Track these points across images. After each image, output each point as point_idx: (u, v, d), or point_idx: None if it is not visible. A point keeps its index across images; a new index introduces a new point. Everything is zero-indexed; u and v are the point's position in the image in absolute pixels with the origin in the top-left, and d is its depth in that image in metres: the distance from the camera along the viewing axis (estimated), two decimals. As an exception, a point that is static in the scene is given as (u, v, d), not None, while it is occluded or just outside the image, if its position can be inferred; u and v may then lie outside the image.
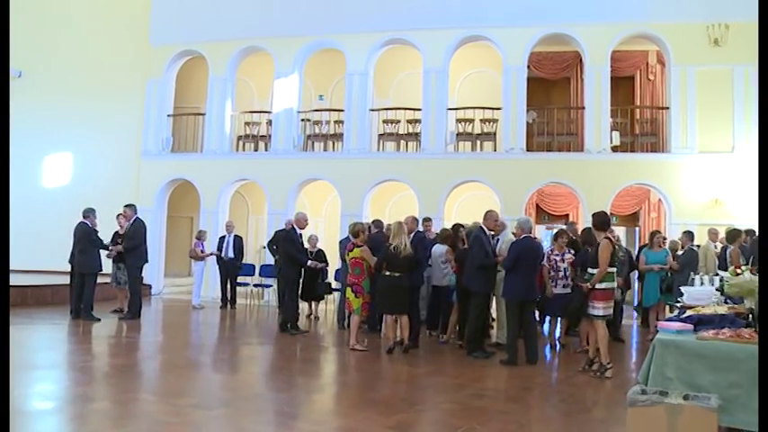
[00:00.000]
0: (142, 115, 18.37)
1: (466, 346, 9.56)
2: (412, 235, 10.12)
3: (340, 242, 12.56)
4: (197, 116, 18.60)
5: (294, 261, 11.31)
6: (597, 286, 8.21)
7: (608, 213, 8.71)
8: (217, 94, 17.83)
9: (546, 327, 11.95)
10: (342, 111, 17.31)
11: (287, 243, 11.40)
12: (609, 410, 6.71)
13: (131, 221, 12.58)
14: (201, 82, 18.39)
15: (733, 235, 10.86)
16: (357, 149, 16.78)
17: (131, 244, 12.36)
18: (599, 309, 8.23)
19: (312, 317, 13.57)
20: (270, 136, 17.84)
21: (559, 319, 10.92)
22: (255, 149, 18.29)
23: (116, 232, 13.06)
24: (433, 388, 7.67)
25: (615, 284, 8.36)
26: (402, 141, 17.40)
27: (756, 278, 5.46)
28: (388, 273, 9.50)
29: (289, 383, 7.67)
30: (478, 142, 16.97)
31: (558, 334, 11.03)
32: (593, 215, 8.63)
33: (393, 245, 9.46)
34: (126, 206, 12.82)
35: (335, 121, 17.90)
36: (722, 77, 15.32)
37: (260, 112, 18.60)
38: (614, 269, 8.31)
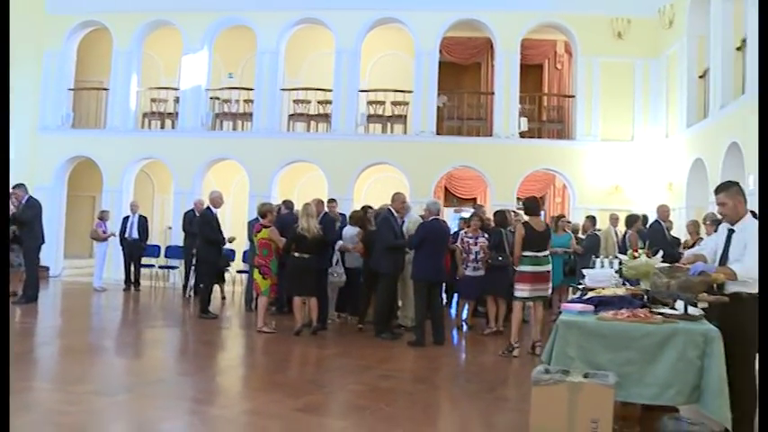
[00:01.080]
0: (39, 88, 17.44)
1: (374, 328, 9.61)
2: (320, 216, 10.06)
3: (248, 223, 12.34)
4: (100, 91, 17.83)
5: (212, 243, 11.04)
6: (517, 269, 8.42)
7: (537, 199, 8.87)
8: (121, 68, 17.13)
9: (453, 308, 12.15)
10: (252, 90, 16.98)
11: (204, 225, 11.11)
12: (514, 389, 6.89)
13: (23, 201, 11.91)
14: (105, 55, 17.60)
15: (631, 220, 11.35)
16: (267, 129, 16.51)
17: (23, 223, 11.68)
18: (519, 291, 8.38)
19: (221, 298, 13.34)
20: (177, 113, 17.31)
21: (468, 300, 11.12)
22: (162, 127, 17.73)
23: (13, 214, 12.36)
24: (340, 370, 7.67)
25: (542, 268, 8.41)
26: (312, 122, 17.26)
27: (652, 261, 5.73)
28: (296, 254, 9.41)
29: (194, 367, 7.51)
30: (389, 125, 17.04)
31: (465, 315, 11.24)
32: (523, 201, 8.84)
33: (301, 226, 9.38)
34: (15, 186, 12.05)
35: (245, 100, 17.53)
36: (624, 69, 15.95)
37: (167, 88, 17.99)
38: (537, 253, 8.37)
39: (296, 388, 6.49)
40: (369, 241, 10.01)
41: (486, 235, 10.45)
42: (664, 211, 11.34)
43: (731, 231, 5.06)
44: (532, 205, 8.60)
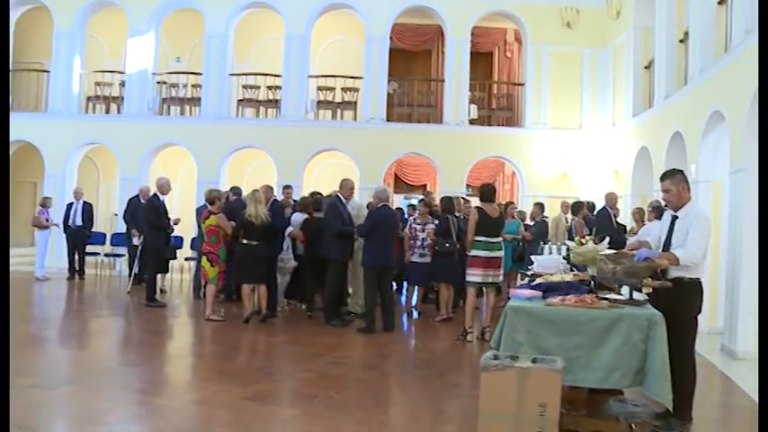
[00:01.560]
0: (-25, 69, 16.78)
1: (324, 315, 9.59)
2: (269, 203, 9.97)
3: (196, 210, 12.14)
4: (40, 73, 17.27)
5: (159, 229, 10.82)
6: (469, 254, 8.50)
7: (494, 185, 8.95)
8: (63, 49, 16.59)
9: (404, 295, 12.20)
10: (200, 74, 16.66)
11: (150, 212, 10.87)
12: (464, 375, 6.96)
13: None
14: (45, 36, 17.04)
15: (577, 207, 11.55)
16: (215, 114, 16.25)
17: None
18: (471, 276, 8.49)
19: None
20: (123, 98, 16.88)
21: (416, 287, 11.17)
22: (107, 111, 17.26)
23: None
24: (290, 357, 7.64)
25: (495, 254, 8.47)
26: (261, 108, 17.05)
27: (599, 247, 5.82)
28: (245, 241, 9.32)
29: (141, 357, 7.37)
30: (339, 111, 16.94)
31: (414, 302, 11.30)
32: (480, 187, 8.91)
33: (249, 212, 9.28)
34: None
35: (193, 85, 17.17)
36: (572, 59, 16.17)
37: (112, 72, 17.53)
38: (489, 238, 8.45)
39: (245, 377, 6.43)
40: (313, 228, 9.96)
41: (435, 221, 10.51)
42: (612, 198, 11.55)
43: (675, 218, 5.19)
44: (488, 191, 8.66)
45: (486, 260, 8.40)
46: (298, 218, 10.42)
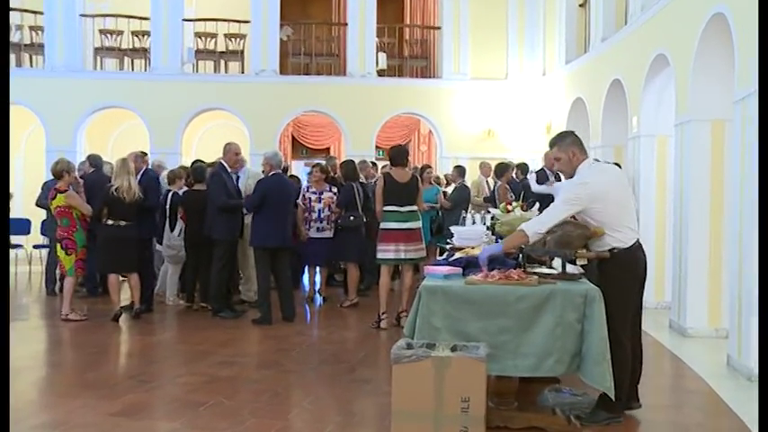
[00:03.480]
0: None
1: (211, 306, 9.48)
2: (140, 175, 9.70)
3: (43, 186, 11.58)
4: None
5: None
6: (381, 226, 8.55)
7: (405, 147, 8.96)
8: None
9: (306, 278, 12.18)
10: (40, 13, 15.93)
11: None
12: (377, 369, 6.99)
13: None
14: None
15: (501, 169, 11.74)
16: (65, 66, 15.64)
17: None
18: (381, 252, 8.54)
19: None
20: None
21: (319, 267, 11.16)
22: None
23: None
24: (171, 359, 7.52)
25: (409, 225, 8.52)
26: (126, 58, 16.56)
27: (527, 215, 5.94)
28: (110, 222, 9.05)
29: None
30: (222, 62, 16.68)
31: (318, 285, 11.30)
32: (390, 149, 8.88)
33: (115, 187, 9.01)
34: None
35: (32, 28, 16.37)
36: (496, -1, 16.38)
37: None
38: (399, 208, 8.50)
39: (113, 387, 6.27)
40: (193, 201, 9.80)
41: (334, 189, 10.50)
42: (551, 159, 11.58)
43: None
44: (398, 154, 8.69)
45: (399, 233, 8.46)
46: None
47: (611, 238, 5.04)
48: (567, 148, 5.23)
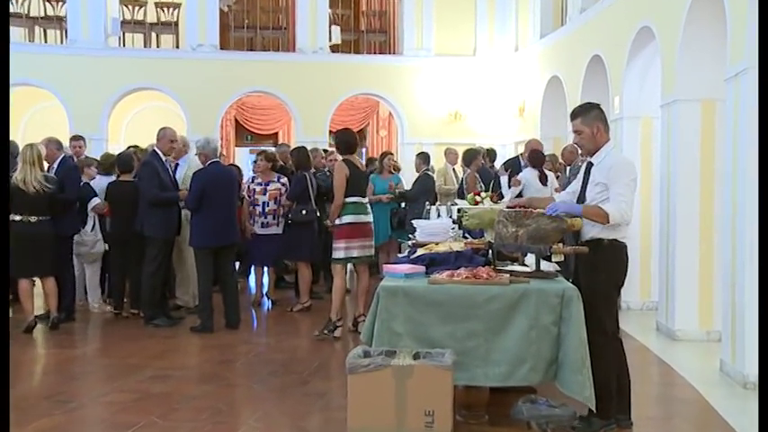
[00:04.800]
0: None
1: (143, 312, 9.40)
2: (57, 163, 9.56)
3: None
4: None
5: None
6: (337, 221, 8.45)
7: (353, 132, 8.92)
8: None
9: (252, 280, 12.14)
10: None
11: None
12: (332, 380, 6.99)
13: None
14: None
15: (470, 156, 11.76)
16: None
17: None
18: (339, 250, 8.47)
19: None
20: None
21: (266, 268, 11.12)
22: None
23: None
24: (94, 375, 7.43)
25: (366, 218, 8.57)
26: (37, 28, 16.34)
27: (498, 206, 5.97)
28: (17, 217, 8.87)
29: None
30: (153, 35, 16.59)
31: (265, 287, 11.26)
32: (336, 134, 8.87)
33: (20, 177, 8.84)
34: None
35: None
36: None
37: None
38: (360, 199, 8.51)
39: (24, 410, 6.12)
40: (121, 195, 9.72)
41: (283, 180, 10.47)
42: (534, 145, 11.44)
43: (590, 165, 5.36)
44: (349, 140, 8.66)
45: (357, 228, 8.47)
46: (101, 182, 10.09)
47: (612, 228, 5.07)
48: (592, 122, 5.27)
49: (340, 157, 8.80)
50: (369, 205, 8.81)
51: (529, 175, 10.12)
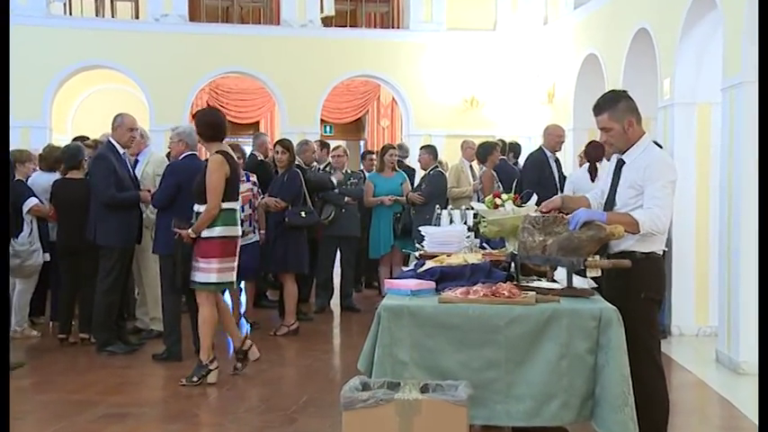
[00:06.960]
0: None
1: (95, 337, 9.42)
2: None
3: None
4: None
5: None
6: (205, 233, 7.96)
7: (219, 112, 8.88)
8: None
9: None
10: None
11: None
12: (323, 417, 6.98)
13: None
14: None
15: (485, 151, 11.72)
16: None
17: None
18: (211, 272, 7.99)
19: None
20: None
21: (244, 283, 11.13)
22: None
23: None
24: (35, 414, 7.41)
25: (239, 231, 8.29)
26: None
27: (522, 210, 5.97)
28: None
29: None
30: (108, 2, 16.57)
31: (243, 307, 11.28)
32: (196, 116, 8.92)
33: None
34: None
35: None
36: None
37: None
38: (235, 205, 8.17)
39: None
40: (66, 194, 9.76)
41: (253, 178, 10.49)
42: (555, 137, 11.28)
43: (621, 163, 5.37)
44: (217, 121, 8.43)
45: (228, 243, 8.16)
46: (41, 180, 10.13)
47: (646, 240, 5.12)
48: (623, 116, 5.24)
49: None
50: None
51: (581, 174, 10.07)
